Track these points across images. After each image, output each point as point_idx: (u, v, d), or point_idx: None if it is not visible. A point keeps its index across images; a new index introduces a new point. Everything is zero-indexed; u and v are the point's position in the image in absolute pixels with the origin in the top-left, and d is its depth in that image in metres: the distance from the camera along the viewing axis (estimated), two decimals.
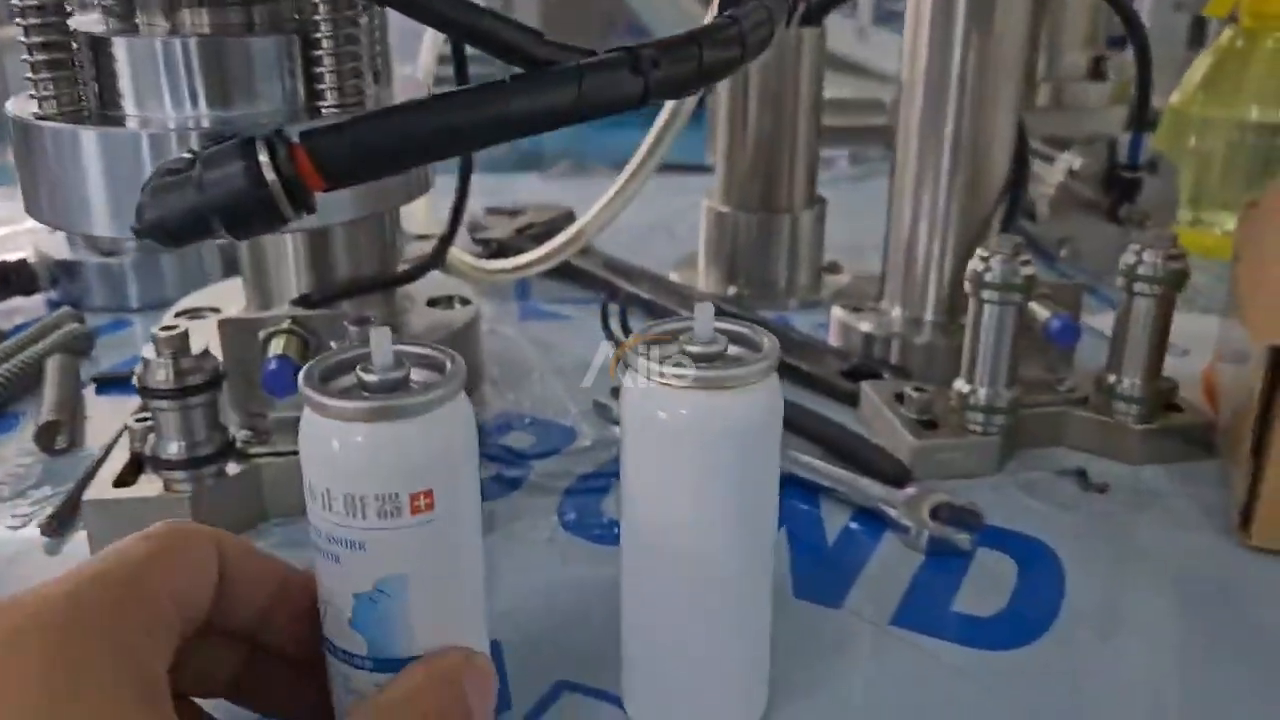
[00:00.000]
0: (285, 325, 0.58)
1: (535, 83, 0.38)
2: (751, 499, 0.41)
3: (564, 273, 0.89)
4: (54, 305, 0.87)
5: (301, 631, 0.39)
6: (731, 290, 0.89)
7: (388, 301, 0.70)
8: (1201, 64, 0.98)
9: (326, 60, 0.43)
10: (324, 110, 0.44)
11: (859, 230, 0.98)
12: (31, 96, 0.44)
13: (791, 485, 0.61)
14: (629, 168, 0.79)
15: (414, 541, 0.36)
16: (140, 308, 0.88)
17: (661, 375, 0.39)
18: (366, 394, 0.36)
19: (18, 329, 0.81)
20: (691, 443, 0.39)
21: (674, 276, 0.92)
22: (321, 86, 0.44)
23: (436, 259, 0.72)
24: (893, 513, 0.58)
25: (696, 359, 0.40)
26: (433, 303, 0.74)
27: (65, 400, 0.68)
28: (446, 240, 0.72)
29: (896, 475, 0.61)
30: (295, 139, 0.37)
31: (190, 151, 0.40)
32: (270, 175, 0.36)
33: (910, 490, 0.59)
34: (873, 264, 0.93)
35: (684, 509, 0.40)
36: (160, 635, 0.32)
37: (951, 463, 0.62)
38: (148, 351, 0.54)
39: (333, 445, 0.35)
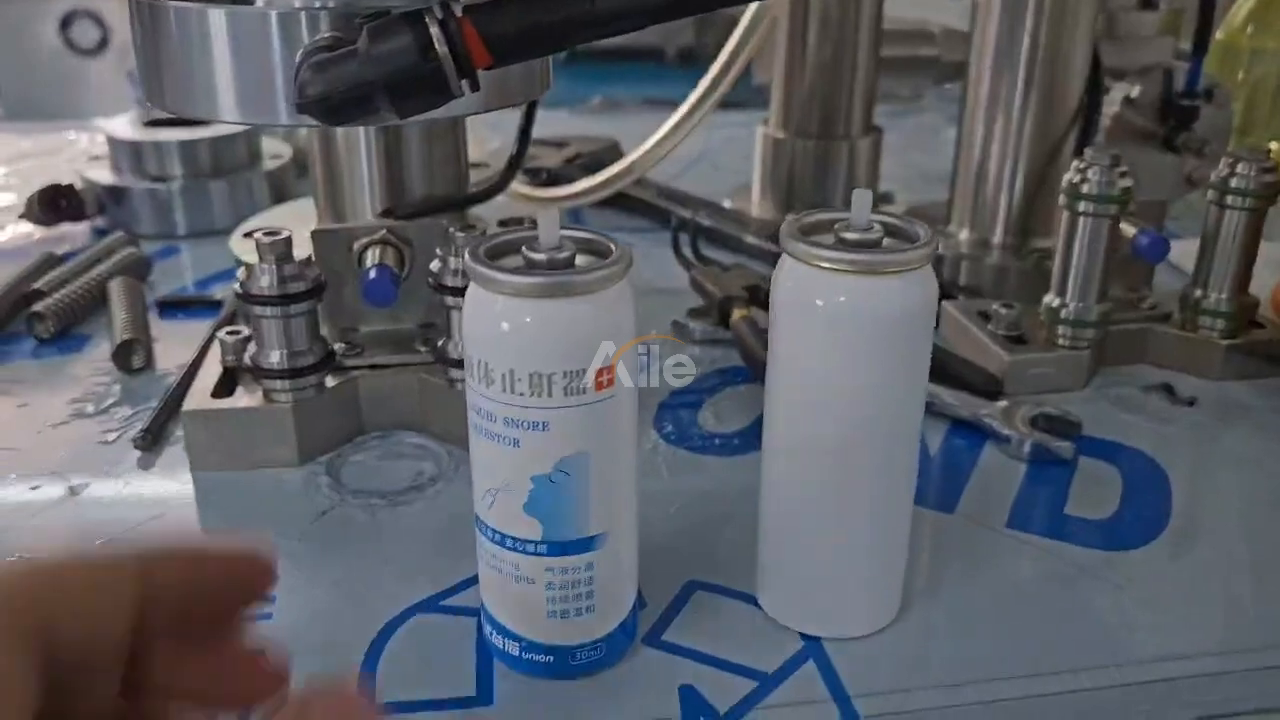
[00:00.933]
0: (380, 235, 0.57)
1: None
2: (903, 389, 0.41)
3: (617, 202, 0.89)
4: (100, 232, 0.85)
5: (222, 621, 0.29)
6: (788, 218, 0.88)
7: (461, 221, 0.69)
8: None
9: None
10: None
11: (897, 164, 0.98)
12: None
13: None
14: (692, 98, 0.78)
15: (596, 418, 0.36)
16: (187, 234, 0.86)
17: (820, 260, 0.39)
18: (540, 272, 0.36)
19: (70, 254, 0.79)
20: (849, 328, 0.39)
21: (728, 205, 0.91)
22: None
23: (508, 179, 0.71)
24: (993, 423, 0.58)
25: (853, 245, 0.39)
26: (503, 224, 0.73)
27: (137, 320, 0.67)
28: (517, 160, 0.71)
29: (989, 389, 0.61)
30: (459, 13, 0.36)
31: (331, 32, 0.39)
32: (441, 48, 0.35)
33: (1005, 403, 0.59)
34: (919, 196, 0.93)
35: (835, 398, 0.40)
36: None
37: (1042, 377, 0.62)
38: (250, 258, 0.53)
39: (517, 323, 0.35)
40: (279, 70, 0.41)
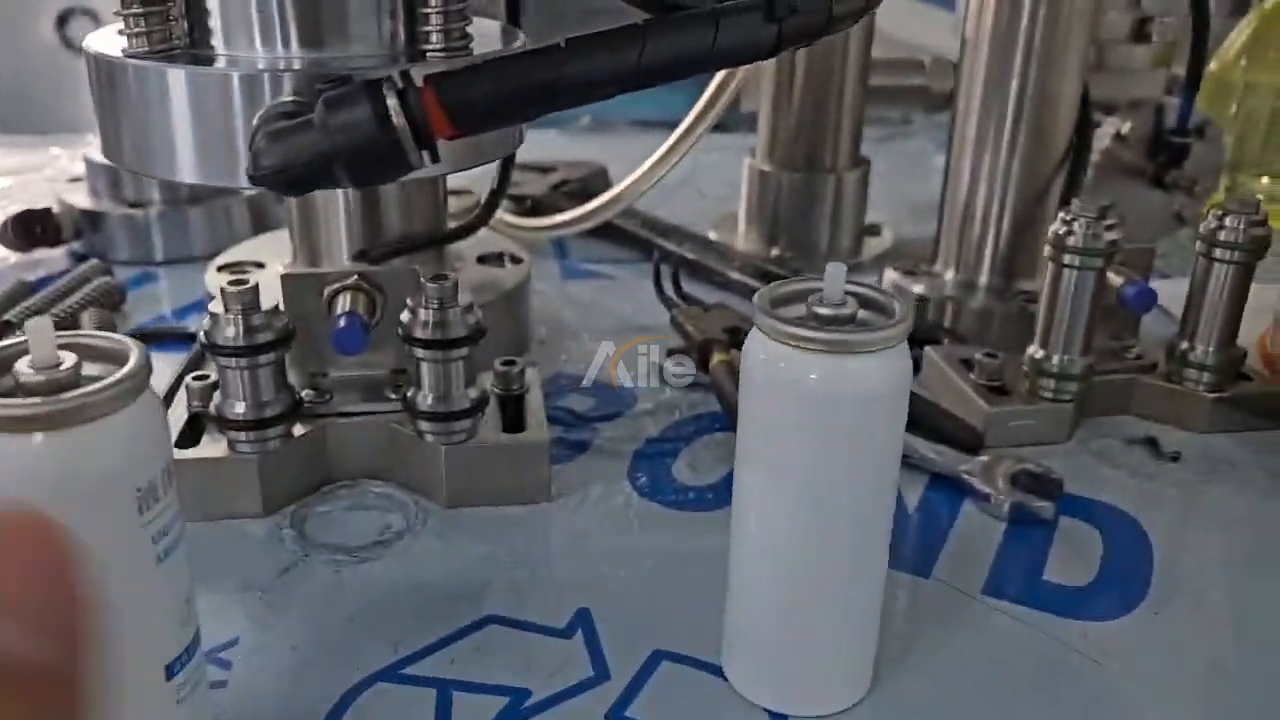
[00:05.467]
0: (352, 281, 0.55)
1: (671, 28, 0.36)
2: (875, 466, 0.40)
3: (602, 231, 0.87)
4: (77, 257, 0.84)
5: None
6: (773, 252, 0.87)
7: (439, 258, 0.68)
8: (1243, 30, 0.97)
9: (433, 1, 0.41)
10: (428, 54, 0.42)
11: (886, 194, 0.97)
12: (121, 33, 0.41)
13: None
14: (681, 126, 0.77)
15: None
16: (165, 261, 0.85)
17: (790, 337, 0.38)
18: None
19: (43, 281, 0.78)
20: (818, 408, 0.38)
21: (712, 236, 0.90)
22: (427, 29, 0.41)
23: (489, 214, 0.70)
24: (973, 480, 0.57)
25: (826, 321, 0.38)
26: (482, 259, 0.72)
27: None
28: (498, 194, 0.70)
29: (970, 442, 0.60)
30: (420, 82, 0.35)
31: (295, 96, 0.38)
32: (399, 120, 0.34)
33: (985, 457, 0.58)
34: (907, 228, 0.93)
35: (805, 474, 0.39)
36: None
37: (1024, 430, 0.61)
38: (215, 307, 0.51)
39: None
40: (240, 132, 0.40)
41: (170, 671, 0.35)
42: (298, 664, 0.45)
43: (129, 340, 0.33)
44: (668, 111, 0.81)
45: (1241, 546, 0.54)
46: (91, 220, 0.84)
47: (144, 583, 0.33)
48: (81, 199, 0.85)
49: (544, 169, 0.98)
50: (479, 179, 0.88)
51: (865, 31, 0.84)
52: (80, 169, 0.89)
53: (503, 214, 0.85)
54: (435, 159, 0.35)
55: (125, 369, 0.32)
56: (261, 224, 0.87)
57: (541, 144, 1.17)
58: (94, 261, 0.78)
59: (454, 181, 0.92)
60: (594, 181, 0.95)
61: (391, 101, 0.34)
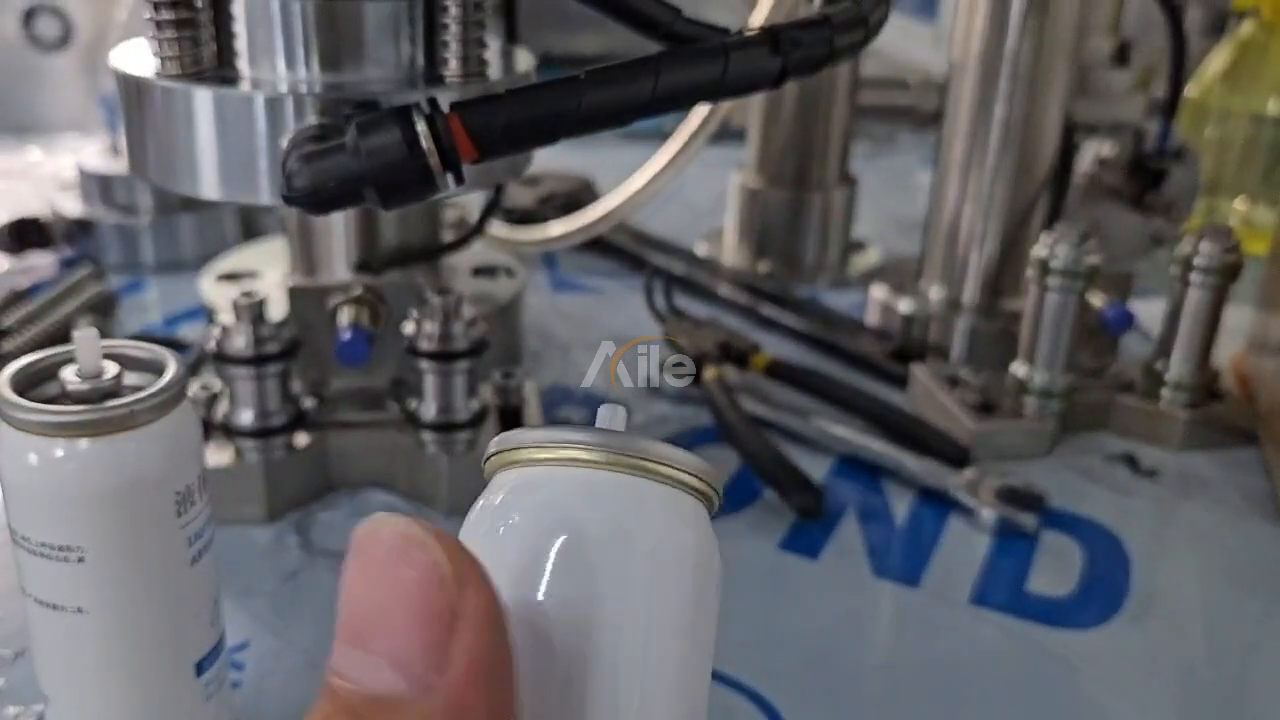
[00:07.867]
0: (357, 293, 0.57)
1: (684, 59, 0.38)
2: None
3: (589, 244, 0.88)
4: (67, 263, 0.84)
5: None
6: (762, 267, 0.89)
7: (435, 270, 0.69)
8: (1220, 55, 1.00)
9: (453, 28, 0.42)
10: (446, 79, 0.43)
11: (872, 210, 0.99)
12: (154, 55, 0.42)
13: (855, 466, 0.62)
14: (678, 140, 0.78)
15: None
16: (155, 268, 0.86)
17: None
18: None
19: (35, 288, 0.78)
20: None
21: (700, 251, 0.92)
22: (446, 55, 0.42)
23: (482, 226, 0.71)
24: (959, 494, 0.58)
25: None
26: (477, 272, 0.73)
27: None
28: (491, 207, 0.71)
29: (957, 458, 0.62)
30: (446, 109, 0.36)
31: (319, 120, 0.39)
32: (428, 145, 0.35)
33: (971, 473, 0.60)
34: (894, 245, 0.95)
35: None
36: None
37: (1007, 446, 0.63)
38: (225, 318, 0.52)
39: None
40: (263, 152, 0.41)
41: (200, 669, 0.36)
42: (308, 667, 0.46)
43: (166, 350, 0.34)
44: (652, 123, 0.82)
45: (1215, 560, 0.57)
46: (83, 227, 0.84)
47: (180, 583, 0.34)
48: (73, 205, 0.86)
49: (531, 181, 0.99)
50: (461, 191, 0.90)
51: None
52: (68, 174, 0.89)
53: (499, 226, 0.86)
54: (460, 181, 0.37)
55: (167, 378, 0.33)
56: (251, 231, 0.88)
57: None
58: (87, 269, 0.79)
59: None
60: (581, 194, 0.96)
61: (421, 127, 0.35)
